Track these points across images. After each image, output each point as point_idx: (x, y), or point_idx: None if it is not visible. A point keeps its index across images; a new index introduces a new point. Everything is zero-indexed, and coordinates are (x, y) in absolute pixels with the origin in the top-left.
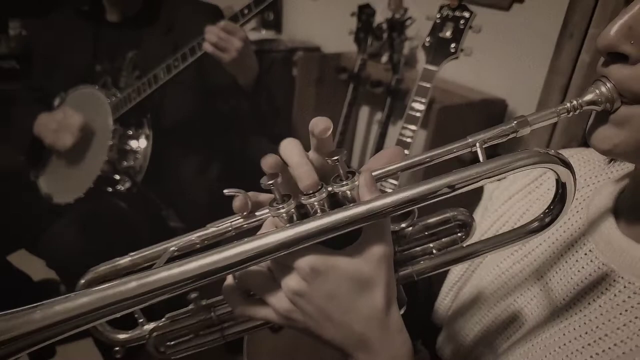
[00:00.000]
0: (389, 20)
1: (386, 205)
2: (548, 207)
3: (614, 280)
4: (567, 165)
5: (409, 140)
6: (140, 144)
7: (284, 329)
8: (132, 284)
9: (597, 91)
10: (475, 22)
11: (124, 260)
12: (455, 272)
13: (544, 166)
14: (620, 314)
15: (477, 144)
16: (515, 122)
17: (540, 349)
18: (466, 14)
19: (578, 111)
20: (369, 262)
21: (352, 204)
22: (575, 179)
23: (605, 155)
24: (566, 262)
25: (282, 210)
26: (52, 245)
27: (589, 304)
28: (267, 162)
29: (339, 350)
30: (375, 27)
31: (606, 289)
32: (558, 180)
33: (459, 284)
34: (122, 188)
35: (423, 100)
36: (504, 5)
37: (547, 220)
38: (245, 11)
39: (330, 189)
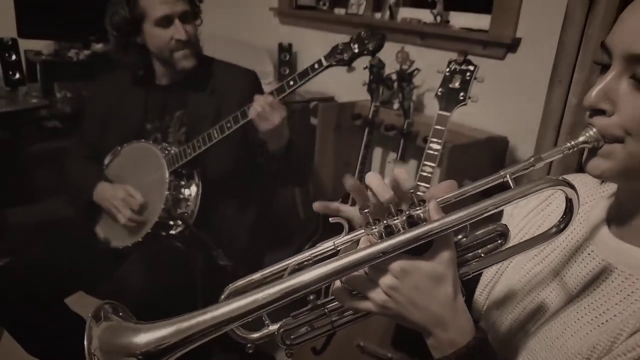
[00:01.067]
0: (398, 72)
1: (451, 221)
2: (561, 217)
3: (611, 271)
4: (572, 186)
5: (429, 175)
6: (191, 192)
7: (326, 351)
8: (275, 289)
9: (587, 135)
10: (479, 72)
11: (256, 276)
12: (488, 274)
13: (556, 188)
14: (617, 293)
15: (508, 175)
16: (532, 159)
17: (560, 325)
18: (471, 67)
19: (576, 149)
20: (441, 263)
21: (425, 223)
22: (578, 196)
23: (597, 179)
24: (575, 261)
25: (374, 230)
26: (120, 285)
27: (594, 290)
28: (348, 181)
29: (421, 329)
30: (386, 78)
31: (606, 277)
32: (567, 197)
33: (490, 284)
34: (175, 232)
35: (439, 141)
36: (499, 56)
37: (561, 226)
38: (291, 82)
39: (408, 213)
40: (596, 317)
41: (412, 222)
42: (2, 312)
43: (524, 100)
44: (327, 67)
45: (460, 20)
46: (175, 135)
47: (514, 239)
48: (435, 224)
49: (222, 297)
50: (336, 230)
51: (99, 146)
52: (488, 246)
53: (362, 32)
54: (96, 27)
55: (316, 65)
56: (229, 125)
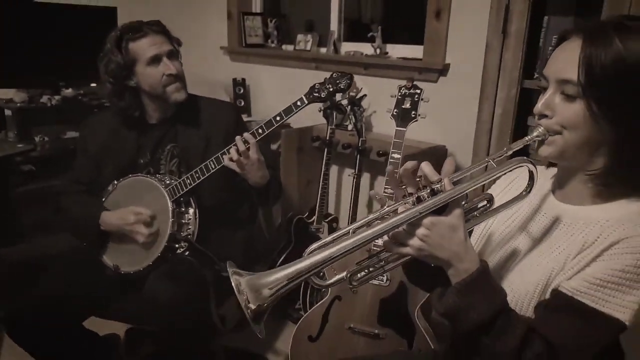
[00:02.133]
0: (348, 98)
1: (459, 190)
2: (527, 183)
3: (557, 223)
4: (533, 163)
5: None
6: (190, 216)
7: (321, 338)
8: (336, 247)
9: (538, 131)
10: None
11: (328, 239)
12: (476, 234)
13: (524, 164)
14: (563, 236)
15: (490, 160)
16: (506, 148)
17: (528, 263)
18: (418, 91)
19: (532, 140)
20: (455, 217)
21: (442, 192)
22: (537, 169)
23: (546, 160)
24: (534, 221)
25: (409, 200)
26: (149, 301)
27: (548, 237)
28: (409, 165)
29: (445, 263)
30: (338, 103)
31: (555, 228)
32: (530, 170)
33: (479, 240)
34: (181, 251)
35: (399, 151)
36: (433, 79)
37: (528, 190)
38: (277, 118)
39: (431, 187)
40: (551, 253)
41: (434, 193)
42: (23, 340)
43: (455, 114)
44: (307, 104)
45: (397, 51)
46: (167, 167)
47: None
48: (449, 192)
49: (306, 253)
50: (306, 243)
51: (94, 183)
52: (480, 208)
53: (334, 74)
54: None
55: (299, 103)
56: (223, 157)
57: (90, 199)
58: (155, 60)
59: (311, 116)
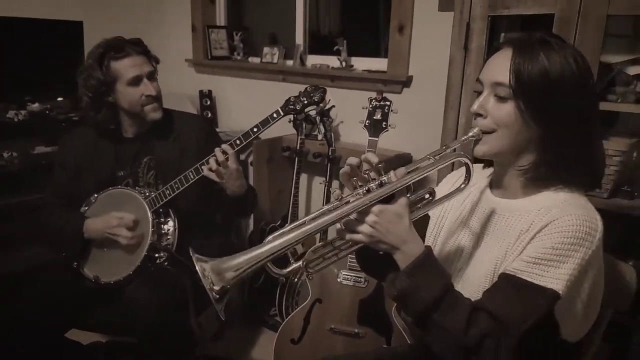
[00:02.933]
0: (318, 109)
1: (403, 181)
2: (465, 176)
3: (495, 216)
4: (468, 158)
5: None
6: (169, 226)
7: (303, 340)
8: (293, 234)
9: (473, 131)
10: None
11: (286, 229)
12: (429, 230)
13: (460, 158)
14: (501, 227)
15: (432, 157)
16: (444, 146)
17: (477, 255)
18: (388, 102)
19: (468, 139)
20: (401, 206)
21: (389, 184)
22: (472, 163)
23: (481, 157)
24: (474, 216)
25: (359, 191)
26: (130, 308)
27: (488, 230)
28: (353, 161)
29: (393, 248)
30: (307, 114)
31: (495, 219)
32: (466, 164)
33: (431, 237)
34: (160, 260)
35: None
36: (397, 91)
37: (466, 182)
38: (255, 129)
39: (379, 179)
40: (493, 246)
41: (381, 185)
42: (5, 354)
43: (419, 123)
44: (283, 115)
45: (362, 64)
46: (144, 179)
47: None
48: (395, 183)
49: (267, 240)
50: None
51: (73, 196)
52: (424, 200)
53: (307, 87)
54: (31, 87)
55: (275, 115)
56: (202, 167)
57: (72, 212)
58: (135, 80)
59: (280, 127)
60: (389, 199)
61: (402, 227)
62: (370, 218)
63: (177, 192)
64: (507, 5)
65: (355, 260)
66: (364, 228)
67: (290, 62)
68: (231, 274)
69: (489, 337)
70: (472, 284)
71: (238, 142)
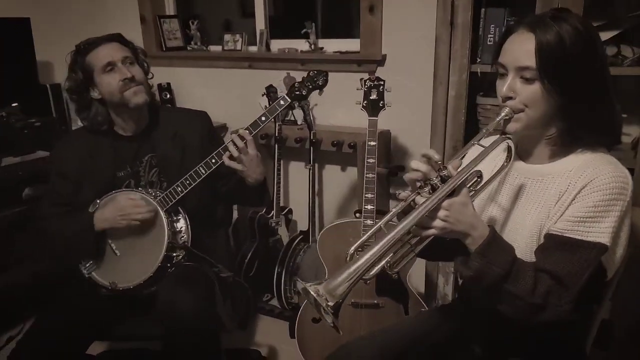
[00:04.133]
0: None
1: (465, 176)
2: (507, 157)
3: (530, 180)
4: (510, 139)
5: (373, 163)
6: (182, 224)
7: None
8: (380, 243)
9: (505, 111)
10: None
11: (364, 238)
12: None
13: (505, 141)
14: (537, 192)
15: (475, 142)
16: (484, 130)
17: (519, 218)
18: (382, 82)
19: (503, 119)
20: (465, 196)
21: (450, 179)
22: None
23: (513, 134)
24: (505, 183)
25: (425, 190)
26: (169, 310)
27: (524, 193)
28: (422, 167)
29: (463, 235)
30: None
31: (529, 184)
32: (509, 145)
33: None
34: (178, 259)
35: (374, 139)
36: (372, 70)
37: (508, 161)
38: (263, 118)
39: (441, 174)
40: (533, 208)
41: (443, 180)
42: None
43: (395, 100)
44: (290, 102)
45: (331, 46)
46: (146, 178)
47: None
48: (456, 177)
49: (349, 253)
50: (268, 237)
51: (74, 203)
52: (474, 184)
53: (311, 72)
54: None
55: (282, 102)
56: (213, 161)
57: (78, 213)
58: (109, 66)
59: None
60: (453, 191)
61: (469, 215)
62: (441, 213)
63: (190, 188)
64: None
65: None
66: (437, 223)
67: (253, 48)
68: (341, 290)
69: (552, 295)
70: (518, 245)
71: (247, 132)
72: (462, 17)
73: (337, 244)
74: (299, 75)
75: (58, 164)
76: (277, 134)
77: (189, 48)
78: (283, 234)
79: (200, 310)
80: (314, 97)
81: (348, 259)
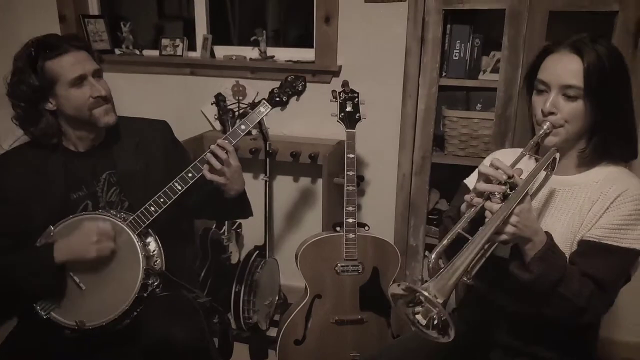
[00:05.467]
0: (250, 104)
1: (528, 182)
2: (550, 167)
3: (559, 190)
4: (558, 152)
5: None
6: (153, 247)
7: (307, 339)
8: (472, 247)
9: (546, 125)
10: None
11: (444, 242)
12: None
13: (556, 155)
14: (567, 200)
15: (529, 154)
16: (532, 143)
17: (550, 225)
18: (355, 94)
19: (544, 132)
20: (528, 202)
21: (518, 187)
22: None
23: (553, 147)
24: (539, 193)
25: (497, 197)
26: (164, 341)
27: (554, 202)
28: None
29: (526, 240)
30: (234, 110)
31: (558, 194)
32: (554, 157)
33: None
34: (153, 287)
35: (353, 151)
36: (327, 80)
37: (551, 170)
38: (242, 127)
39: (510, 182)
40: (564, 215)
41: (512, 188)
42: None
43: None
44: (271, 109)
45: (282, 54)
46: (105, 198)
47: None
48: (523, 185)
49: (431, 257)
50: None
51: (21, 234)
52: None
53: (289, 77)
54: None
55: (262, 109)
56: (190, 175)
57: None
58: (79, 80)
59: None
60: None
61: (534, 221)
62: (513, 219)
63: (165, 207)
64: (461, 1)
65: (350, 251)
66: (509, 229)
67: (192, 54)
68: (448, 287)
69: (594, 297)
70: None
71: (227, 142)
72: (433, 33)
73: (317, 260)
74: (249, 84)
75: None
76: None
77: (117, 52)
78: (233, 249)
79: (195, 342)
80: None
81: (431, 265)
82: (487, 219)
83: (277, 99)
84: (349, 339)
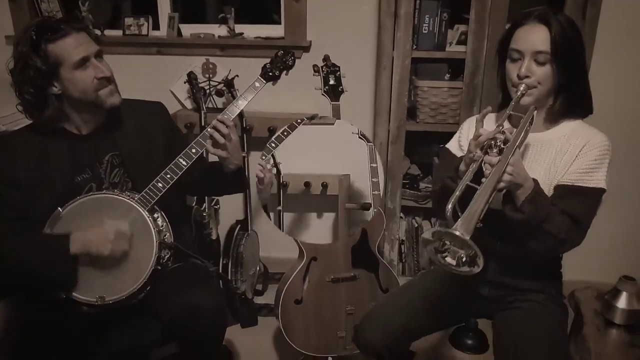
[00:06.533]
0: (224, 81)
1: (520, 138)
2: (530, 123)
3: (531, 145)
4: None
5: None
6: (161, 222)
7: (305, 299)
8: (484, 188)
9: (522, 87)
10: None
11: (457, 193)
12: None
13: (535, 112)
14: (537, 152)
15: (512, 112)
16: (513, 104)
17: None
18: (337, 68)
19: (521, 93)
20: (519, 153)
21: (510, 141)
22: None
23: (528, 105)
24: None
25: (495, 150)
26: (191, 309)
27: (528, 156)
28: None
29: (518, 186)
30: (210, 87)
31: (531, 149)
32: (533, 115)
33: None
34: (165, 260)
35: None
36: (298, 56)
37: (530, 126)
38: (240, 102)
39: (503, 138)
40: (535, 167)
41: (505, 142)
42: None
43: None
44: (265, 84)
45: (251, 32)
46: (108, 179)
47: None
48: (514, 140)
49: (449, 207)
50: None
51: (29, 219)
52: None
53: (279, 52)
54: None
55: (257, 84)
56: (194, 151)
57: (40, 233)
58: (82, 62)
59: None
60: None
61: (524, 169)
62: (509, 169)
63: (172, 182)
64: None
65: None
66: (506, 177)
67: (156, 33)
68: (471, 227)
69: (571, 231)
70: None
71: (225, 117)
72: (405, 8)
73: None
74: (218, 61)
75: (3, 174)
76: (203, 123)
77: None
78: (213, 226)
79: (219, 306)
80: (237, 83)
81: (449, 214)
82: (488, 171)
83: (270, 73)
84: (344, 295)
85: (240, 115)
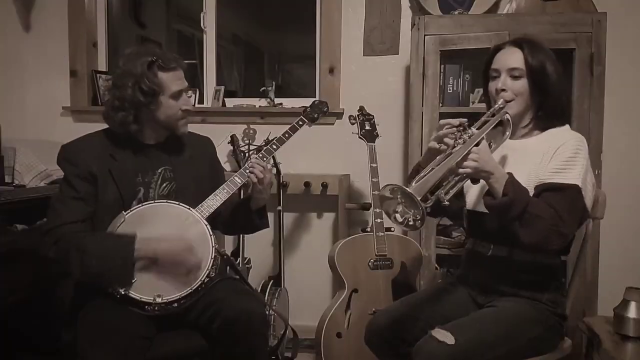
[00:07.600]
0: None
1: (483, 133)
2: (508, 128)
3: (514, 151)
4: (509, 114)
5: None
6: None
7: (348, 331)
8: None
9: (500, 101)
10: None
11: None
12: None
13: (506, 116)
14: (520, 157)
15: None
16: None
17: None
18: (371, 116)
19: (499, 107)
20: (485, 145)
21: (474, 135)
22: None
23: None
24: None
25: (459, 141)
26: (245, 322)
27: (510, 160)
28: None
29: (489, 174)
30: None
31: (514, 154)
32: (507, 119)
33: None
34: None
35: (375, 161)
36: (332, 122)
37: (508, 132)
38: (274, 147)
39: (469, 132)
40: (523, 170)
41: (469, 137)
42: None
43: (353, 148)
44: (307, 122)
45: (288, 103)
46: (156, 191)
47: None
48: (478, 133)
49: (415, 181)
50: None
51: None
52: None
53: (315, 101)
54: None
55: (300, 122)
56: (238, 180)
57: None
58: (178, 94)
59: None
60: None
61: (492, 159)
62: (473, 155)
63: (225, 200)
64: (454, 43)
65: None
66: (470, 163)
67: (202, 105)
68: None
69: (555, 218)
70: None
71: (267, 152)
72: (432, 69)
73: (352, 257)
74: (259, 128)
75: (77, 170)
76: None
77: None
78: None
79: (267, 316)
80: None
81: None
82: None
83: (311, 115)
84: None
85: (278, 172)
